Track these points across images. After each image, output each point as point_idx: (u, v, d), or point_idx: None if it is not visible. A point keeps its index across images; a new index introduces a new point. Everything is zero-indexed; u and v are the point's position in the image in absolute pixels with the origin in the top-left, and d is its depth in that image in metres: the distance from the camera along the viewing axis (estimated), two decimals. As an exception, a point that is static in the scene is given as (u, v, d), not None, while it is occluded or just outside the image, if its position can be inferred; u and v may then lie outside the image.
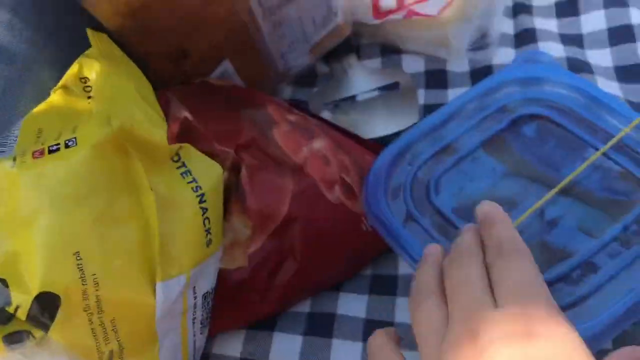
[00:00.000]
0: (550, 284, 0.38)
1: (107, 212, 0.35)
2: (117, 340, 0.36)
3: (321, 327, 0.47)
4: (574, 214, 0.41)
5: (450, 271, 0.31)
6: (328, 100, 0.61)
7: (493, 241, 0.31)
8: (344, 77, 0.63)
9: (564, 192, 0.42)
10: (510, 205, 0.42)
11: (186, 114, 0.45)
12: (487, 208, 0.34)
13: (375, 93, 0.61)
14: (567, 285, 0.38)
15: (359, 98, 0.61)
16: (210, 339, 0.47)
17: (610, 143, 0.39)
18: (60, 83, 0.41)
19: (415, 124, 0.48)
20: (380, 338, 0.33)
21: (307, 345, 0.46)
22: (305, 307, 0.48)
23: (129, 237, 0.36)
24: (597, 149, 0.43)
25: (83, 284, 0.34)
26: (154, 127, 0.37)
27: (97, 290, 0.34)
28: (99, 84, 0.39)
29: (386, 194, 0.44)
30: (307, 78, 0.64)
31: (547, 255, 0.39)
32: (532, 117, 0.46)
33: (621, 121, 0.44)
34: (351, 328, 0.46)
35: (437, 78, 0.61)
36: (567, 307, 0.37)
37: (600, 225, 0.40)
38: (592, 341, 0.35)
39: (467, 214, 0.42)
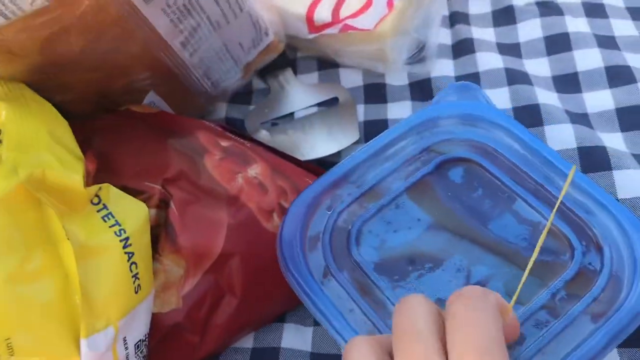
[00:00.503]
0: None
1: (20, 270, 0.32)
2: (39, 407, 0.33)
3: (266, 362, 0.45)
4: (502, 275, 0.38)
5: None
6: (265, 118, 0.59)
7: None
8: (281, 93, 0.61)
9: (492, 249, 0.39)
10: (435, 263, 0.39)
11: (107, 148, 0.42)
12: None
13: (314, 109, 0.59)
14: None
15: (297, 115, 0.59)
16: (148, 384, 0.44)
17: (555, 208, 0.34)
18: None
19: (335, 164, 0.44)
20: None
21: (251, 384, 0.44)
22: (248, 342, 0.46)
23: (47, 293, 0.33)
24: (525, 201, 0.41)
25: (-6, 350, 0.31)
26: (68, 171, 0.34)
27: (11, 355, 0.31)
28: (5, 128, 0.36)
29: (303, 245, 0.41)
30: (242, 95, 0.62)
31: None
32: (460, 160, 0.43)
33: (555, 172, 0.41)
34: (298, 360, 0.44)
35: (376, 92, 0.59)
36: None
37: (528, 289, 0.37)
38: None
39: (390, 270, 0.39)
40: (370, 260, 0.40)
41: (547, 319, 0.36)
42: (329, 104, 0.59)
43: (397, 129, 0.45)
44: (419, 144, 0.44)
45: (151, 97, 0.49)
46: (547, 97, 0.55)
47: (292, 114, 0.59)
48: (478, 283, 0.38)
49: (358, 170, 0.44)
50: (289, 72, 0.62)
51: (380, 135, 0.45)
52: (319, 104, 0.59)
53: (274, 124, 0.58)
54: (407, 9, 0.57)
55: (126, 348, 0.37)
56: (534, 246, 0.37)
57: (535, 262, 0.35)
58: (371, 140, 0.45)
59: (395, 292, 0.38)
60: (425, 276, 0.39)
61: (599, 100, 0.55)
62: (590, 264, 0.38)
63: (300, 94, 0.60)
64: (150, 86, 0.48)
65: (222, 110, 0.60)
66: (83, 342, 0.33)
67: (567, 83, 0.57)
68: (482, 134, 0.44)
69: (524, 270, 0.36)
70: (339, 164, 0.44)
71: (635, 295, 0.36)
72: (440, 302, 0.38)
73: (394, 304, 0.38)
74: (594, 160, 0.49)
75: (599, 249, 0.38)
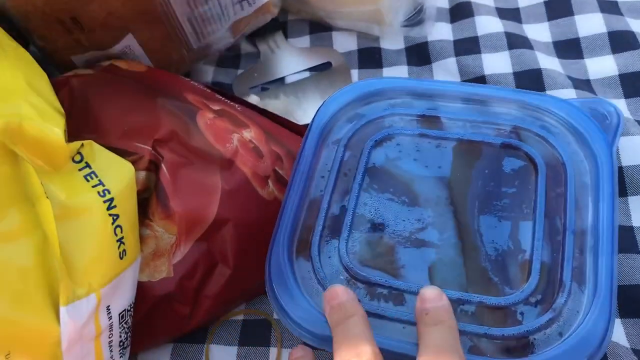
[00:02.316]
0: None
1: (-7, 228, 0.29)
2: (16, 378, 0.31)
3: (258, 334, 0.42)
4: (444, 255, 0.37)
5: None
6: (254, 83, 0.56)
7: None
8: (271, 57, 0.58)
9: (461, 231, 0.38)
10: (410, 201, 0.39)
11: (91, 107, 0.39)
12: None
13: (306, 74, 0.56)
14: (369, 295, 0.36)
15: (289, 80, 0.56)
16: (133, 356, 0.42)
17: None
18: None
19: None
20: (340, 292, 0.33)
21: (243, 356, 0.41)
22: (239, 314, 0.43)
23: (23, 255, 0.30)
24: (534, 231, 0.37)
25: (-33, 317, 0.28)
26: (48, 123, 0.31)
27: (-15, 321, 0.29)
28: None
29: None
30: (230, 59, 0.59)
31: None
32: (529, 159, 0.40)
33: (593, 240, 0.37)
34: (290, 332, 0.42)
35: (370, 57, 0.57)
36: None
37: (449, 282, 0.36)
38: None
39: (378, 179, 0.40)
40: (374, 160, 0.41)
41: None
42: (322, 68, 0.57)
43: (505, 92, 0.43)
44: (511, 118, 0.42)
45: (128, 41, 0.46)
46: (548, 62, 0.53)
47: (282, 78, 0.56)
48: (419, 241, 0.37)
49: (442, 97, 0.44)
50: (279, 36, 0.59)
51: (484, 86, 0.44)
52: (311, 69, 0.57)
53: (264, 89, 0.56)
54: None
55: (110, 318, 0.34)
56: (496, 262, 0.36)
57: (483, 271, 0.36)
58: (474, 85, 0.44)
59: (362, 195, 0.40)
60: (393, 202, 0.39)
61: (602, 66, 0.53)
62: (520, 313, 0.35)
63: (291, 58, 0.57)
64: (129, 28, 0.45)
65: (209, 73, 0.57)
66: (63, 310, 0.30)
67: (569, 48, 0.55)
68: (572, 151, 0.40)
69: (465, 266, 0.36)
70: (433, 81, 0.46)
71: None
72: (377, 226, 0.38)
73: (356, 198, 0.39)
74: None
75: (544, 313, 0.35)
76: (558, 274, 0.35)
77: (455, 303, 0.35)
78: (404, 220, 0.38)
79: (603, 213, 0.36)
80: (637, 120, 0.49)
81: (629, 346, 0.40)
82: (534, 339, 0.33)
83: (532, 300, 0.34)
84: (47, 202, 0.30)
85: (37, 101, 0.32)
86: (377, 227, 0.38)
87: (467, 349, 0.33)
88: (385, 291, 0.36)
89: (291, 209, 0.39)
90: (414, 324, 0.34)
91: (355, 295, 0.34)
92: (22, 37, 0.44)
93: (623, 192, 0.46)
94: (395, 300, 0.35)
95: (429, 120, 0.43)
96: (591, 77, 0.53)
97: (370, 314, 0.34)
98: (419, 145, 0.42)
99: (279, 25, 0.59)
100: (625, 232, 0.44)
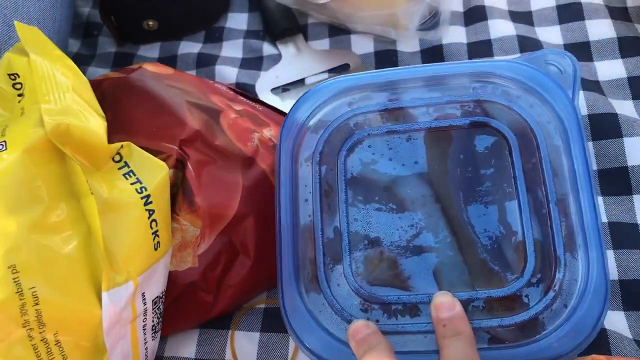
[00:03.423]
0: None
1: (44, 220, 0.32)
2: (62, 355, 0.34)
3: (279, 321, 0.45)
4: (442, 255, 0.38)
5: None
6: (276, 84, 0.59)
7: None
8: (291, 59, 0.60)
9: (454, 228, 0.39)
10: (398, 208, 0.40)
11: (121, 108, 0.42)
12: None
13: (325, 76, 0.59)
14: (386, 314, 0.38)
15: (309, 81, 0.59)
16: (162, 340, 0.45)
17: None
18: (-14, 80, 0.38)
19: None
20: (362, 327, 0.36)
21: (265, 342, 0.44)
22: (260, 303, 0.46)
23: (70, 245, 0.33)
24: (519, 207, 0.39)
25: (21, 299, 0.31)
26: (92, 127, 0.35)
27: (36, 304, 0.32)
28: (30, 80, 0.36)
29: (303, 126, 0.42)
30: (252, 61, 0.61)
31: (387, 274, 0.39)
32: (497, 132, 0.41)
33: (574, 193, 0.39)
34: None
35: (387, 59, 0.59)
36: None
37: (455, 282, 0.38)
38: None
39: (360, 187, 0.41)
40: (351, 170, 0.41)
41: None
42: (340, 70, 0.59)
43: (458, 67, 0.42)
44: (471, 92, 0.42)
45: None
46: (559, 65, 0.55)
47: (302, 80, 0.59)
48: (418, 248, 0.39)
49: (400, 85, 0.43)
50: (300, 38, 0.61)
51: (438, 64, 0.43)
52: (329, 70, 0.59)
53: (284, 90, 0.58)
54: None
55: (144, 303, 0.38)
56: (492, 251, 0.38)
57: (482, 262, 0.38)
58: (427, 65, 0.43)
59: (350, 211, 0.40)
60: (382, 212, 0.40)
61: (611, 69, 0.55)
62: (525, 296, 0.37)
63: (311, 60, 0.60)
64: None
65: (233, 75, 0.60)
66: (104, 295, 0.34)
67: (579, 51, 0.57)
68: (537, 114, 0.40)
69: (465, 263, 0.38)
70: (384, 70, 0.43)
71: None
72: (374, 241, 0.39)
73: (345, 216, 0.40)
74: (605, 127, 0.49)
75: (547, 291, 0.37)
76: (551, 248, 0.37)
77: (466, 302, 0.37)
78: (397, 230, 0.39)
79: (578, 170, 0.38)
80: (643, 122, 0.51)
81: (631, 337, 0.43)
82: (543, 317, 0.36)
83: (533, 281, 0.37)
84: (92, 198, 0.33)
85: (82, 105, 0.36)
86: (374, 242, 0.39)
87: (486, 341, 0.36)
88: (399, 307, 0.38)
89: (287, 242, 0.40)
90: (433, 332, 0.37)
91: (376, 327, 0.36)
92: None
93: (628, 190, 0.48)
94: (411, 313, 0.38)
95: (393, 112, 0.42)
96: (600, 79, 0.55)
97: (391, 333, 0.37)
98: (390, 142, 0.41)
99: (300, 29, 0.62)
100: (631, 230, 0.46)
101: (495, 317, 0.37)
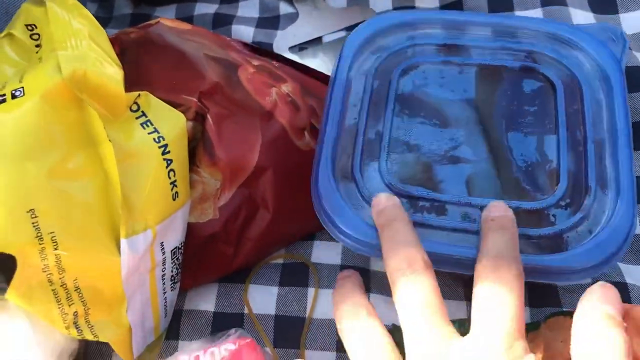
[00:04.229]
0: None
1: (61, 166, 0.32)
2: (82, 301, 0.34)
3: (297, 276, 0.45)
4: (478, 168, 0.39)
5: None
6: (293, 42, 0.58)
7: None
8: (309, 17, 0.60)
9: (492, 146, 0.40)
10: (441, 123, 0.42)
11: (141, 62, 0.42)
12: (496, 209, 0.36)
13: (343, 33, 0.58)
14: (412, 208, 0.39)
15: (326, 39, 0.58)
16: (182, 294, 0.45)
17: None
18: (4, 32, 0.38)
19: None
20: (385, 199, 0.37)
21: (283, 295, 0.45)
22: (279, 257, 0.47)
23: (88, 192, 0.33)
24: (558, 141, 0.40)
25: (40, 243, 0.32)
26: (109, 74, 0.35)
27: (56, 249, 0.32)
28: (47, 30, 0.36)
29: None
30: (269, 20, 0.61)
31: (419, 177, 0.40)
32: (545, 79, 0.43)
33: (604, 138, 0.40)
34: (328, 275, 0.45)
35: (406, 16, 0.58)
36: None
37: (486, 192, 0.39)
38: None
39: (408, 105, 0.43)
40: (402, 88, 0.43)
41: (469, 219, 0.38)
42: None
43: (518, 20, 0.45)
44: (526, 43, 0.44)
45: None
46: (583, 18, 0.53)
47: (320, 38, 0.58)
48: (454, 158, 0.40)
49: (460, 27, 0.46)
50: None
51: (500, 14, 0.47)
52: (348, 28, 0.59)
53: (302, 48, 0.58)
54: None
55: (163, 253, 0.38)
56: (525, 173, 0.39)
57: (515, 181, 0.39)
58: (489, 14, 0.47)
59: (395, 120, 0.42)
60: (424, 125, 0.42)
61: (637, 20, 0.53)
62: (553, 215, 0.38)
63: (328, 17, 0.59)
64: None
65: (250, 34, 0.59)
66: (123, 242, 0.34)
67: (604, 3, 0.55)
68: (585, 70, 0.43)
69: (499, 178, 0.39)
70: (448, 11, 0.47)
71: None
72: (413, 147, 0.41)
73: (390, 122, 0.42)
74: (632, 81, 0.48)
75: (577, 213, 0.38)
76: (583, 179, 0.38)
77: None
78: (438, 141, 0.41)
79: (619, 124, 0.39)
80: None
81: None
82: (567, 236, 0.37)
83: (562, 203, 0.38)
84: (110, 145, 0.33)
85: (99, 53, 0.35)
86: (412, 148, 0.41)
87: None
88: (427, 204, 0.39)
89: (330, 136, 0.42)
90: (457, 230, 0.37)
91: (398, 200, 0.37)
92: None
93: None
94: (437, 211, 0.38)
95: (450, 48, 0.45)
96: (627, 32, 0.53)
97: (415, 224, 0.37)
98: (443, 71, 0.44)
99: None
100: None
101: (520, 227, 0.37)
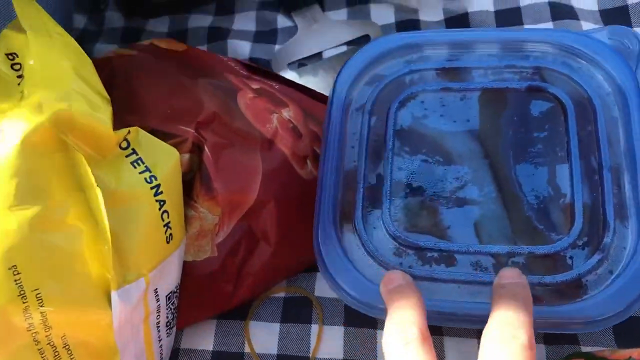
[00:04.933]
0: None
1: (46, 216, 0.30)
2: (71, 358, 0.32)
3: (300, 311, 0.43)
4: (486, 209, 0.37)
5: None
6: (292, 58, 0.55)
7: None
8: (308, 31, 0.57)
9: (500, 183, 0.38)
10: (445, 160, 0.39)
11: (133, 88, 0.39)
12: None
13: (344, 48, 0.56)
14: (420, 260, 0.37)
15: (327, 55, 0.56)
16: (179, 333, 0.43)
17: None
18: (-18, 60, 0.35)
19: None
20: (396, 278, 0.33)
21: (285, 333, 0.42)
22: (280, 291, 0.44)
23: (75, 242, 0.31)
24: (571, 171, 0.37)
25: (24, 302, 0.29)
26: (96, 112, 0.32)
27: (41, 305, 0.30)
28: (29, 61, 0.33)
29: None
30: (266, 34, 0.58)
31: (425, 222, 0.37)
32: (555, 98, 0.40)
33: (629, 165, 0.37)
34: (332, 310, 0.43)
35: (409, 29, 0.56)
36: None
37: (496, 237, 0.36)
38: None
39: (408, 140, 0.40)
40: (401, 122, 0.41)
41: (481, 268, 0.36)
42: (360, 41, 0.56)
43: (521, 33, 0.42)
44: (532, 59, 0.41)
45: None
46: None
47: (320, 53, 0.56)
48: (461, 200, 0.37)
49: (459, 46, 0.43)
50: (316, 8, 0.58)
51: (500, 29, 0.43)
52: (348, 42, 0.56)
53: (301, 65, 0.55)
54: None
55: (157, 300, 0.35)
56: (537, 210, 0.36)
57: (526, 220, 0.36)
58: (490, 29, 0.43)
59: (395, 160, 0.39)
60: (427, 164, 0.39)
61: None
62: (570, 257, 0.35)
63: (329, 31, 0.57)
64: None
65: (247, 49, 0.57)
66: (114, 294, 0.31)
67: (616, 16, 0.53)
68: (596, 85, 0.39)
69: (509, 219, 0.36)
70: (445, 30, 0.43)
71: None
72: (416, 190, 0.38)
73: (390, 164, 0.39)
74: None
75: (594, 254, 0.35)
76: (601, 213, 0.35)
77: (506, 257, 0.35)
78: (442, 181, 0.38)
79: (637, 145, 0.36)
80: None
81: None
82: (586, 280, 0.34)
83: (579, 243, 0.35)
84: (98, 191, 0.30)
85: (84, 89, 0.33)
86: (416, 191, 0.39)
87: None
88: (435, 254, 0.36)
89: (329, 184, 0.39)
90: (468, 282, 0.35)
91: (412, 280, 0.34)
92: None
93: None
94: (446, 262, 0.36)
95: (450, 72, 0.42)
96: None
97: (424, 279, 0.35)
98: (444, 99, 0.41)
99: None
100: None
101: (536, 274, 0.35)
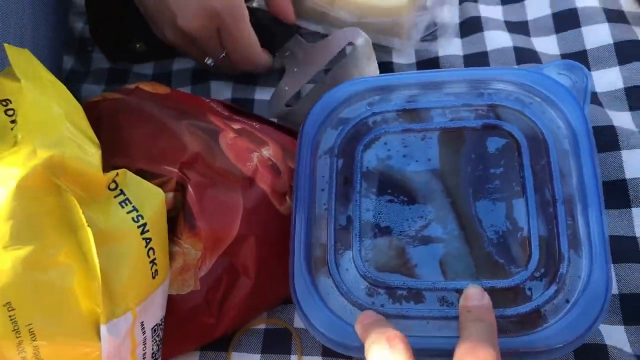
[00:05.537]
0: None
1: (39, 256, 0.32)
2: (62, 389, 0.34)
3: (280, 342, 0.45)
4: (450, 247, 0.39)
5: None
6: (288, 97, 0.56)
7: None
8: (295, 64, 0.57)
9: (462, 221, 0.40)
10: (409, 199, 0.42)
11: (120, 131, 0.42)
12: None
13: (338, 61, 0.55)
14: (391, 299, 0.39)
15: (305, 91, 0.57)
16: (163, 364, 0.45)
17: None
18: (-22, 106, 0.37)
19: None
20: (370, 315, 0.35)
21: (265, 365, 0.44)
22: (261, 323, 0.46)
23: (66, 279, 0.33)
24: (527, 205, 0.40)
25: (17, 337, 0.31)
26: (86, 156, 0.34)
27: (34, 340, 0.32)
28: (22, 107, 0.35)
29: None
30: (247, 76, 0.61)
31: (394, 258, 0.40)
32: (509, 135, 0.42)
33: (581, 200, 0.39)
34: (311, 341, 0.45)
35: (383, 70, 0.58)
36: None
37: (460, 273, 0.38)
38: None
39: (373, 181, 0.42)
40: (367, 164, 0.43)
41: (447, 302, 0.38)
42: (349, 50, 0.56)
43: (474, 72, 0.45)
44: (486, 97, 0.43)
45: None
46: (557, 75, 0.54)
47: (323, 71, 0.56)
48: (426, 238, 0.40)
49: (415, 87, 0.45)
50: (296, 40, 0.58)
51: (454, 69, 0.46)
52: (337, 56, 0.56)
53: (287, 105, 0.56)
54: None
55: (143, 332, 0.37)
56: (497, 245, 0.39)
57: (487, 255, 0.39)
58: (445, 70, 0.46)
59: (363, 201, 0.42)
60: (392, 204, 0.42)
61: (608, 78, 0.54)
62: (528, 289, 0.38)
63: (315, 53, 0.57)
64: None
65: (229, 90, 0.59)
66: (103, 328, 0.33)
67: (576, 59, 0.56)
68: (548, 120, 0.42)
69: (472, 255, 0.38)
70: (403, 73, 0.46)
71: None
72: (384, 230, 0.41)
73: (358, 206, 0.42)
74: (603, 139, 0.49)
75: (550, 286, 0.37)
76: (556, 245, 0.38)
77: None
78: (407, 220, 0.41)
79: (586, 177, 0.39)
80: (641, 132, 0.50)
81: (632, 352, 0.42)
82: (545, 310, 0.37)
83: (537, 275, 0.37)
84: (88, 231, 0.32)
85: (76, 134, 0.35)
86: (384, 231, 0.41)
87: None
88: (404, 292, 0.39)
89: (301, 228, 0.42)
90: (435, 318, 0.37)
91: (384, 318, 0.36)
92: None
93: (627, 203, 0.47)
94: (415, 299, 0.38)
95: (410, 113, 0.44)
96: (597, 90, 0.54)
97: (395, 317, 0.38)
98: (406, 140, 0.43)
99: (293, 32, 0.59)
100: (629, 242, 0.46)
101: (498, 307, 0.37)
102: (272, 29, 0.59)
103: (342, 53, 0.56)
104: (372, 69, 0.55)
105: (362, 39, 0.55)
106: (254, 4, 0.61)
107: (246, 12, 0.52)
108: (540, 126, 0.41)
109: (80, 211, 0.33)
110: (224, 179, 0.43)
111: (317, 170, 0.44)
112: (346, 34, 0.56)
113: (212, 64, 0.56)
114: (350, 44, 0.56)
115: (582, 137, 0.40)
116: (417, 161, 0.43)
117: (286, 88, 0.57)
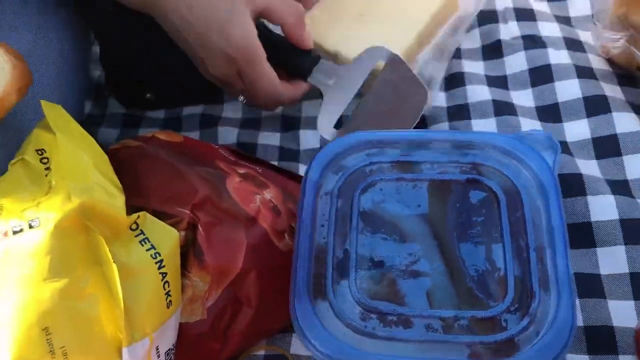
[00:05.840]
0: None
1: (73, 286, 0.37)
2: (87, 403, 0.39)
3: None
4: (437, 280, 0.44)
5: None
6: (335, 118, 0.58)
7: None
8: (332, 87, 0.59)
9: (447, 259, 0.45)
10: (401, 238, 0.46)
11: (138, 175, 0.47)
12: None
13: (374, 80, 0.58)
14: (382, 323, 0.43)
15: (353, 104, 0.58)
16: (172, 386, 0.49)
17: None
18: (17, 157, 0.43)
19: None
20: None
21: (264, 387, 0.49)
22: (260, 349, 0.51)
23: (94, 308, 0.38)
24: (504, 250, 0.45)
25: (52, 357, 0.36)
26: (112, 200, 0.40)
27: (65, 360, 0.37)
28: (56, 156, 0.41)
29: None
30: (251, 121, 0.66)
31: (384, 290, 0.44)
32: (489, 190, 0.47)
33: (550, 245, 0.44)
34: (305, 367, 0.49)
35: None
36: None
37: (444, 303, 0.43)
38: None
39: (370, 221, 0.47)
40: (363, 206, 0.48)
41: (436, 329, 0.42)
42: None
43: (461, 135, 0.52)
44: (470, 156, 0.49)
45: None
46: (530, 127, 0.60)
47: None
48: (415, 272, 0.45)
49: (408, 143, 0.51)
50: (323, 62, 0.60)
51: (444, 131, 0.54)
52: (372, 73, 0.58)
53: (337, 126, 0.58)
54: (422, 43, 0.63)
55: (158, 356, 0.42)
56: (478, 282, 0.44)
57: (468, 290, 0.44)
58: (436, 131, 0.54)
59: (359, 238, 0.46)
60: (386, 241, 0.46)
61: (577, 129, 0.60)
62: (504, 320, 0.42)
63: (347, 77, 0.59)
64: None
65: (234, 135, 0.65)
66: (124, 351, 0.38)
67: (549, 113, 0.62)
68: (523, 179, 0.48)
69: (455, 288, 0.44)
70: (396, 130, 0.52)
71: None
72: (378, 263, 0.45)
73: (355, 241, 0.46)
74: (572, 186, 0.55)
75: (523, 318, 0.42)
76: (528, 285, 0.43)
77: (453, 319, 0.42)
78: (398, 256, 0.45)
79: (555, 228, 0.45)
80: (606, 180, 0.56)
81: None
82: (518, 339, 0.41)
83: (512, 309, 0.42)
84: (114, 266, 0.38)
85: (103, 181, 0.41)
86: (377, 264, 0.45)
87: (467, 355, 0.41)
88: (394, 318, 0.43)
89: (302, 259, 0.46)
90: (422, 342, 0.42)
91: None
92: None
93: (592, 244, 0.53)
94: (404, 324, 0.43)
95: (403, 165, 0.50)
96: (568, 140, 0.60)
97: (385, 339, 0.42)
98: (399, 187, 0.49)
99: (318, 57, 0.60)
100: (594, 279, 0.51)
101: (478, 334, 0.41)
102: (296, 59, 0.60)
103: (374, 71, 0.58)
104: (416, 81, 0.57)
105: (389, 56, 0.58)
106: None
107: (261, 55, 0.55)
108: (516, 184, 0.47)
109: (107, 249, 0.38)
110: (230, 218, 0.48)
111: (318, 208, 0.48)
112: (374, 54, 0.58)
113: (245, 101, 0.61)
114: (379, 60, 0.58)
115: (551, 194, 0.46)
116: (408, 206, 0.48)
117: (329, 111, 0.59)
